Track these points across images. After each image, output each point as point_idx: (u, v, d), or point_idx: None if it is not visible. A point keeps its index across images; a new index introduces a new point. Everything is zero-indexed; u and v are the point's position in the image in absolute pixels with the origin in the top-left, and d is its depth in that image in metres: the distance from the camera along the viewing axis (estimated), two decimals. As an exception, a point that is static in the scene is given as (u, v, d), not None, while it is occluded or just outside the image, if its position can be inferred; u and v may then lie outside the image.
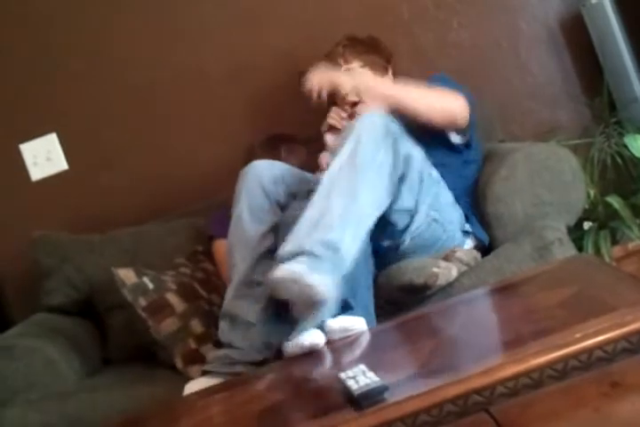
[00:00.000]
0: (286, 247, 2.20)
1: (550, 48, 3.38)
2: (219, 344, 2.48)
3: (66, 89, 3.43)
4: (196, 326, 2.68)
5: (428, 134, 2.64)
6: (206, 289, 2.82)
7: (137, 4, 3.41)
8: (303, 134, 3.06)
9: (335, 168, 2.31)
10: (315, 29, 3.30)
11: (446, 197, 2.62)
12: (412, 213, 2.47)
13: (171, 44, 3.41)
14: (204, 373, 2.40)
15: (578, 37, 3.31)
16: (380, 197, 2.34)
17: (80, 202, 3.41)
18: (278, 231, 2.49)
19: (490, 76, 3.35)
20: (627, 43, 3.18)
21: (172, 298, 2.71)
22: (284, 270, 2.11)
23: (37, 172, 3.45)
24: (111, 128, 3.43)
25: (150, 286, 2.71)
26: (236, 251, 2.52)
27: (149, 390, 2.49)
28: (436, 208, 2.53)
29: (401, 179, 2.40)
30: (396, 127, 2.42)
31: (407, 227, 2.47)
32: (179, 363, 2.62)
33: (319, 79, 2.65)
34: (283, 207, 2.57)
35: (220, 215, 2.91)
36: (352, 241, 2.23)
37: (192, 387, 2.33)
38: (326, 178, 2.30)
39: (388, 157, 2.35)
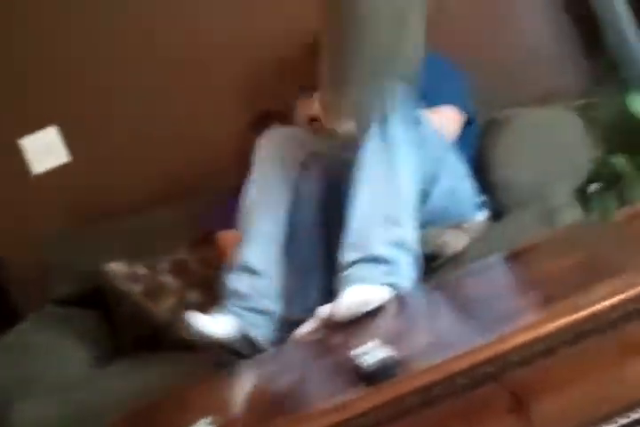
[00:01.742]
0: (350, 254, 2.20)
1: (548, 9, 3.34)
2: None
3: (66, 80, 3.41)
4: (195, 296, 2.71)
5: None
6: (202, 266, 2.84)
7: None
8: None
9: (370, 148, 2.31)
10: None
11: (461, 166, 2.60)
12: (431, 182, 2.44)
13: (171, 33, 3.37)
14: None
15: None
16: (417, 168, 2.34)
17: (83, 194, 3.40)
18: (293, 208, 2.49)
19: (488, 41, 3.31)
20: (627, 1, 3.15)
21: (166, 278, 2.74)
22: (356, 295, 2.09)
23: (39, 165, 3.44)
24: (112, 119, 3.42)
25: (142, 272, 2.71)
26: (252, 210, 2.50)
27: (162, 373, 2.49)
28: (453, 178, 2.52)
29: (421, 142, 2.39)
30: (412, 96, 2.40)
31: (424, 200, 2.43)
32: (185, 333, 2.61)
33: None
34: (303, 163, 2.55)
35: (222, 209, 2.90)
36: (412, 226, 2.27)
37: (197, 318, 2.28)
38: (364, 160, 2.30)
39: (413, 129, 2.36)
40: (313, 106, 2.81)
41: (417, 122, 2.38)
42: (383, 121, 2.32)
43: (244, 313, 2.36)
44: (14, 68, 3.42)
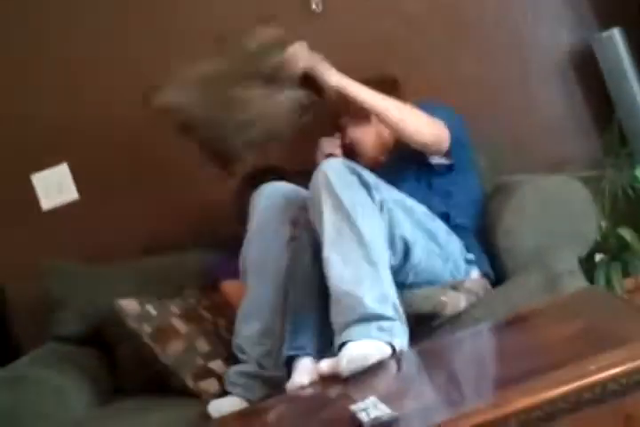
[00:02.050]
0: (341, 317, 2.26)
1: (561, 81, 3.40)
2: (236, 360, 2.55)
3: (77, 119, 3.44)
4: (203, 345, 2.70)
5: (408, 157, 2.71)
6: (212, 313, 2.85)
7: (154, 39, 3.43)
8: (292, 168, 3.07)
9: (329, 223, 2.37)
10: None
11: (439, 226, 2.63)
12: (405, 245, 2.47)
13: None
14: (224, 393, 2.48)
15: (588, 71, 3.32)
16: (380, 225, 2.41)
17: (91, 232, 3.41)
18: (292, 256, 2.54)
19: (500, 109, 3.35)
20: (637, 76, 3.20)
21: (177, 322, 2.74)
22: (356, 349, 2.15)
23: (48, 201, 3.46)
24: (122, 158, 3.44)
25: (154, 313, 2.72)
26: (249, 272, 2.60)
27: (161, 417, 2.49)
28: (430, 239, 2.55)
29: (380, 207, 2.44)
30: (352, 164, 2.48)
31: (406, 261, 2.48)
32: (189, 381, 2.62)
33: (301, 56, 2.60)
34: (296, 221, 2.61)
35: (225, 259, 2.96)
36: (389, 281, 2.33)
37: (217, 405, 2.41)
38: (328, 237, 2.36)
39: (364, 194, 2.41)
40: (334, 144, 2.95)
41: (369, 187, 2.43)
42: (331, 193, 2.38)
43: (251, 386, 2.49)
44: (31, 104, 3.45)
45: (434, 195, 2.72)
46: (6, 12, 3.43)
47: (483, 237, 2.72)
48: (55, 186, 3.46)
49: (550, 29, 3.40)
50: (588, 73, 3.33)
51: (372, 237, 2.35)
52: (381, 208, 2.43)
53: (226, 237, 3.06)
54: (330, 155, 2.89)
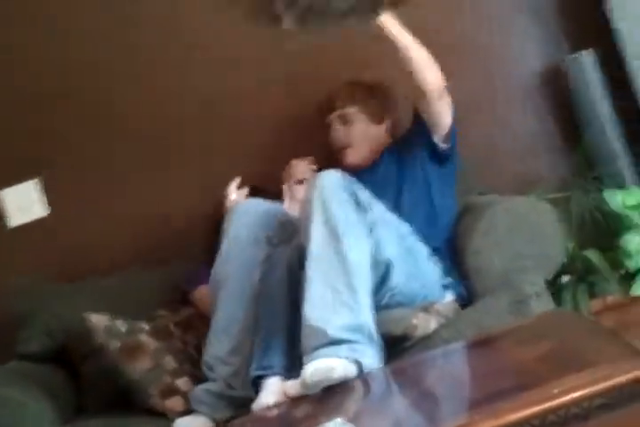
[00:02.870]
0: (311, 340, 2.24)
1: (531, 102, 3.42)
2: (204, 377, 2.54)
3: (48, 134, 3.42)
4: (170, 362, 2.67)
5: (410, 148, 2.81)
6: (182, 329, 2.83)
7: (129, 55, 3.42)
8: (274, 188, 3.07)
9: (317, 240, 2.36)
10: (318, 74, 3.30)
11: (421, 250, 2.64)
12: (387, 267, 2.47)
13: (155, 93, 3.42)
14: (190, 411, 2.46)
15: (558, 91, 3.35)
16: (367, 250, 2.40)
17: (59, 250, 3.38)
18: (265, 273, 2.53)
19: (470, 128, 3.34)
20: (607, 98, 3.22)
21: (145, 338, 2.71)
22: (320, 364, 2.15)
23: (15, 218, 3.43)
24: (94, 175, 3.42)
25: (123, 328, 2.70)
26: (220, 289, 2.58)
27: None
28: (411, 263, 2.56)
29: (370, 228, 2.44)
30: (349, 179, 2.48)
31: (384, 283, 2.48)
32: (155, 399, 2.60)
33: None
34: (270, 240, 2.61)
35: (196, 272, 2.98)
36: (368, 309, 2.31)
37: (182, 424, 2.41)
38: (313, 253, 2.35)
39: (354, 212, 2.41)
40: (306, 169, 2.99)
41: (361, 205, 2.43)
42: (323, 208, 2.38)
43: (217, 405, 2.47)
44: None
45: (418, 213, 2.74)
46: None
47: (451, 257, 2.74)
48: (24, 202, 3.43)
49: (520, 50, 3.43)
50: (559, 94, 3.35)
51: (357, 263, 2.33)
52: (371, 230, 2.43)
53: (199, 253, 3.07)
54: (300, 181, 2.92)
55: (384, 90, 3.08)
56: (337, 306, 2.27)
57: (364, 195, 2.48)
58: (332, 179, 2.45)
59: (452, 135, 2.80)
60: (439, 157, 2.81)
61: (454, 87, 3.21)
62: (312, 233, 2.37)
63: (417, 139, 2.84)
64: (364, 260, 2.37)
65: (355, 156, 2.97)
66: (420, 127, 2.81)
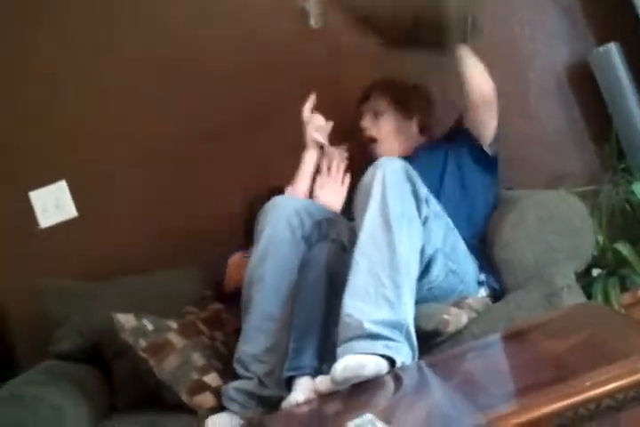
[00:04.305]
0: (346, 332, 2.21)
1: (558, 96, 3.41)
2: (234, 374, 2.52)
3: (76, 136, 3.46)
4: (198, 359, 2.67)
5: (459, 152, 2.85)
6: (209, 326, 2.84)
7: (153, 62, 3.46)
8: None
9: (368, 229, 2.32)
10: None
11: (462, 247, 2.64)
12: (429, 261, 2.46)
13: (179, 98, 3.44)
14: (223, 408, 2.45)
15: (586, 86, 3.33)
16: (418, 246, 2.37)
17: (89, 249, 3.42)
18: (302, 272, 2.52)
19: (499, 124, 3.35)
20: (634, 91, 3.21)
21: (173, 337, 2.71)
22: (352, 360, 2.12)
23: (46, 219, 3.46)
24: (121, 176, 3.45)
25: (150, 327, 2.71)
26: (256, 288, 2.55)
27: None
28: (453, 259, 2.55)
29: (424, 222, 2.42)
30: (412, 170, 2.44)
31: (424, 276, 2.46)
32: (184, 396, 2.60)
33: None
34: (307, 238, 2.60)
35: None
36: (409, 306, 2.28)
37: (213, 422, 2.40)
38: (363, 241, 2.31)
39: (412, 205, 2.38)
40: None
41: (420, 199, 2.41)
42: (382, 196, 2.35)
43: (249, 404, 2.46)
44: (29, 121, 3.47)
45: (459, 212, 2.73)
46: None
47: (483, 251, 2.74)
48: (54, 203, 3.46)
49: (548, 44, 3.41)
50: (586, 88, 3.33)
51: (406, 259, 2.29)
52: (424, 223, 2.41)
53: (226, 252, 3.08)
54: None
55: (420, 89, 3.12)
56: (379, 299, 2.23)
57: (422, 187, 2.44)
58: (395, 165, 2.41)
59: (496, 141, 2.83)
60: (480, 159, 2.83)
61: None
62: (366, 221, 2.32)
63: (459, 139, 2.87)
64: (414, 256, 2.34)
65: (384, 149, 2.97)
66: (462, 131, 2.86)
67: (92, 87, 3.46)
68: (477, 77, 2.73)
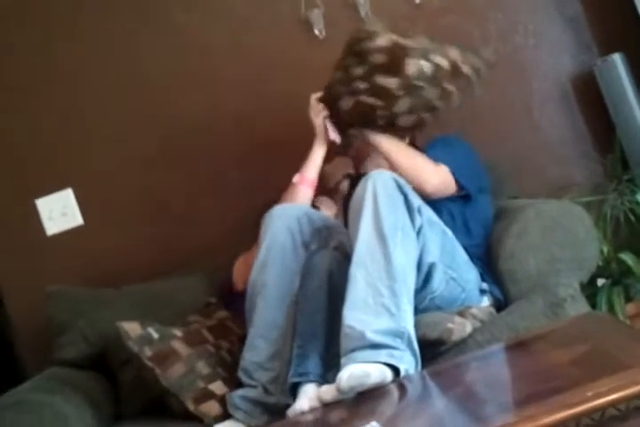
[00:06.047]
0: (348, 343, 2.23)
1: (563, 106, 3.41)
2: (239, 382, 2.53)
3: (82, 145, 3.47)
4: (203, 367, 2.68)
5: None
6: (215, 334, 2.84)
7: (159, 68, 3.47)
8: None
9: (364, 242, 2.34)
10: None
11: (461, 255, 2.64)
12: (429, 270, 2.47)
13: (185, 101, 3.45)
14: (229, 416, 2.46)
15: (590, 95, 3.33)
16: (413, 256, 2.39)
17: (94, 257, 3.43)
18: (304, 280, 2.52)
19: (503, 133, 3.37)
20: (638, 101, 3.21)
21: (178, 345, 2.72)
22: (356, 369, 2.13)
23: (53, 226, 3.48)
24: (126, 184, 3.46)
25: (155, 335, 2.71)
26: (259, 296, 2.56)
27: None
28: (452, 267, 2.55)
29: (418, 231, 2.43)
30: (402, 181, 2.46)
31: (425, 286, 2.48)
32: (190, 404, 2.60)
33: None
34: (307, 245, 2.61)
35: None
36: (409, 314, 2.29)
37: None
38: (359, 254, 2.34)
39: (405, 216, 2.39)
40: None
41: (412, 209, 2.42)
42: (375, 209, 2.37)
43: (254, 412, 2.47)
44: (35, 131, 3.48)
45: (455, 222, 2.73)
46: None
47: (486, 261, 2.74)
48: (60, 211, 3.47)
49: (552, 54, 3.41)
50: (590, 98, 3.34)
51: (402, 269, 2.31)
52: (418, 233, 2.42)
53: (231, 260, 3.09)
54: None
55: None
56: (378, 309, 2.25)
57: (415, 197, 2.46)
58: (385, 178, 2.43)
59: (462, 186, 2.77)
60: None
61: (487, 93, 3.24)
62: (360, 234, 2.35)
63: None
64: (410, 265, 2.36)
65: (374, 164, 2.95)
66: None
67: (97, 97, 3.47)
68: (415, 182, 2.64)
